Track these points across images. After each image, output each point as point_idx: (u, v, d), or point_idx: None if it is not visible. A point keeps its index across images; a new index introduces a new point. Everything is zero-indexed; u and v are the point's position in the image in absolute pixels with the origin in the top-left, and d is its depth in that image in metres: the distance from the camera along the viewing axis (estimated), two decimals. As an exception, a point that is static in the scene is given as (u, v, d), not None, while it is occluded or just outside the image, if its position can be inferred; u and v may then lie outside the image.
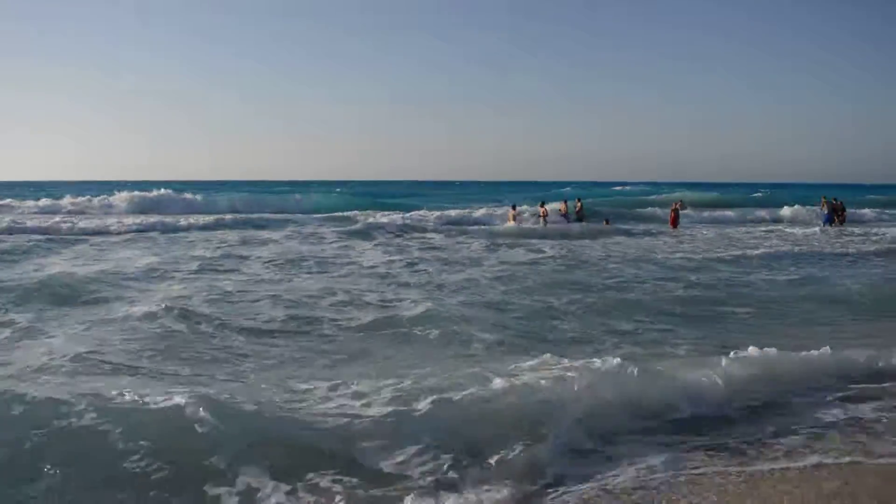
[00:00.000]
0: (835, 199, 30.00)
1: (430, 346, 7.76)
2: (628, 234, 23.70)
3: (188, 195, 35.81)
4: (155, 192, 34.35)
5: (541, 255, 16.75)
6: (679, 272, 13.89)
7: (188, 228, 22.20)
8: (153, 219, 24.51)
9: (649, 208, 37.62)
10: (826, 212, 29.03)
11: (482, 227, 23.94)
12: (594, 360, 6.25)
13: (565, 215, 29.12)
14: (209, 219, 25.21)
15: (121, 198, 33.31)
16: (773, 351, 6.76)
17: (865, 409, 5.73)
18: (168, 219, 24.28)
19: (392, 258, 15.65)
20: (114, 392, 5.18)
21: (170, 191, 35.59)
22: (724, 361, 6.42)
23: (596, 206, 34.45)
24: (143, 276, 12.09)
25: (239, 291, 10.74)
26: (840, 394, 6.12)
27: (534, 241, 20.40)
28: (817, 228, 26.23)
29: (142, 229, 21.56)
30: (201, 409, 4.81)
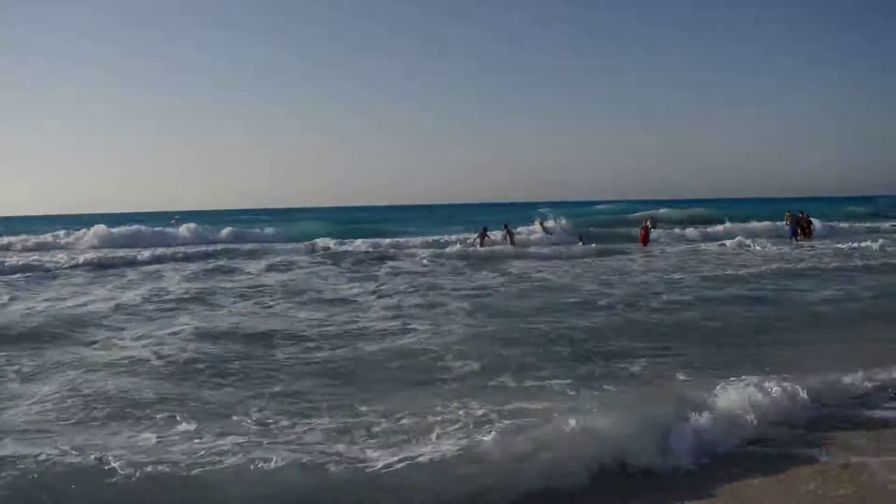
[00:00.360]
0: (801, 213, 30.51)
1: (396, 378, 7.66)
2: (601, 253, 23.90)
3: (158, 228, 35.63)
4: (126, 227, 34.18)
5: (510, 278, 16.92)
6: (649, 290, 14.11)
7: (159, 261, 22.05)
8: (121, 252, 24.37)
9: (622, 228, 37.98)
10: (790, 226, 29.55)
11: (454, 249, 24.02)
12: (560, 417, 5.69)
13: (546, 233, 30.26)
14: (182, 251, 25.24)
15: (90, 233, 33.04)
16: (753, 383, 6.39)
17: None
18: (142, 253, 24.10)
19: (359, 285, 15.69)
20: (55, 450, 5.01)
21: (140, 226, 35.41)
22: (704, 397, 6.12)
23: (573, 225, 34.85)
24: (106, 316, 11.81)
25: (202, 326, 10.64)
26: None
27: (504, 263, 20.61)
28: (786, 244, 26.72)
29: (111, 265, 21.32)
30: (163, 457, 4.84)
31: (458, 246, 25.73)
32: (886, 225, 40.45)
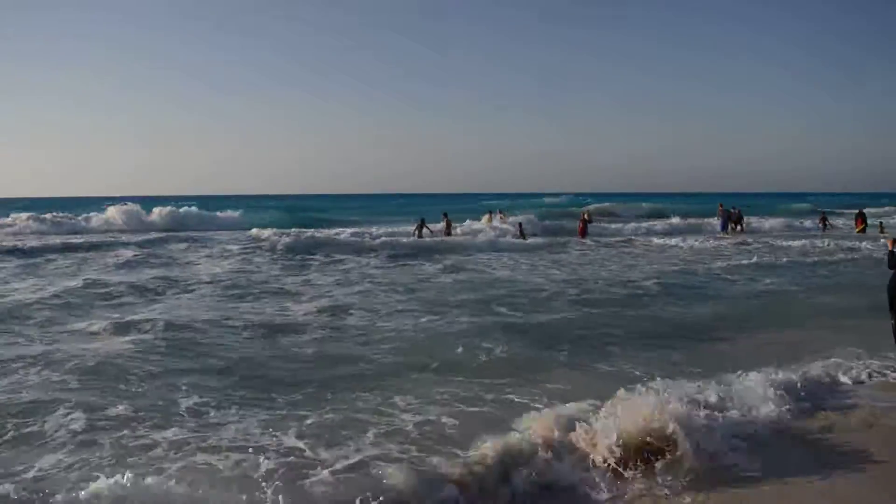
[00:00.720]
0: (733, 208, 31.59)
1: (320, 371, 7.63)
2: (539, 245, 23.99)
3: (90, 214, 34.45)
4: (54, 214, 33.10)
5: (444, 269, 17.05)
6: (575, 284, 14.41)
7: (87, 249, 21.30)
8: (58, 240, 23.61)
9: (566, 221, 38.48)
10: (721, 220, 30.53)
11: (390, 240, 23.87)
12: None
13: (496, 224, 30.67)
14: (115, 238, 24.69)
15: (18, 219, 31.92)
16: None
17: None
18: (71, 239, 23.47)
19: (290, 275, 15.62)
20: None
21: (68, 214, 34.26)
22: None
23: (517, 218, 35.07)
24: (21, 307, 11.29)
25: (124, 317, 10.43)
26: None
27: (441, 254, 20.73)
28: (716, 238, 27.39)
29: (37, 252, 20.63)
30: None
31: (413, 237, 25.68)
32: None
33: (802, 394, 6.47)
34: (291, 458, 5.05)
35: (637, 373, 7.41)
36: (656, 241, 26.54)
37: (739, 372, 7.02)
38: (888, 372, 7.41)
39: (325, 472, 4.72)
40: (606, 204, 51.06)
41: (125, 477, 4.39)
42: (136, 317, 10.32)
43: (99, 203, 38.71)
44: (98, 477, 4.49)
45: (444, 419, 5.94)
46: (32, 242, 22.50)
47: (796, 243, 24.28)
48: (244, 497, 4.36)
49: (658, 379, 6.58)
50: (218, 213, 38.51)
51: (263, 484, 4.55)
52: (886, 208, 54.48)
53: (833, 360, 7.81)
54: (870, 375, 7.29)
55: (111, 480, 4.37)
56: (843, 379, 7.15)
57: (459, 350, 8.37)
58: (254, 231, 25.53)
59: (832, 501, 4.43)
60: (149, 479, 4.46)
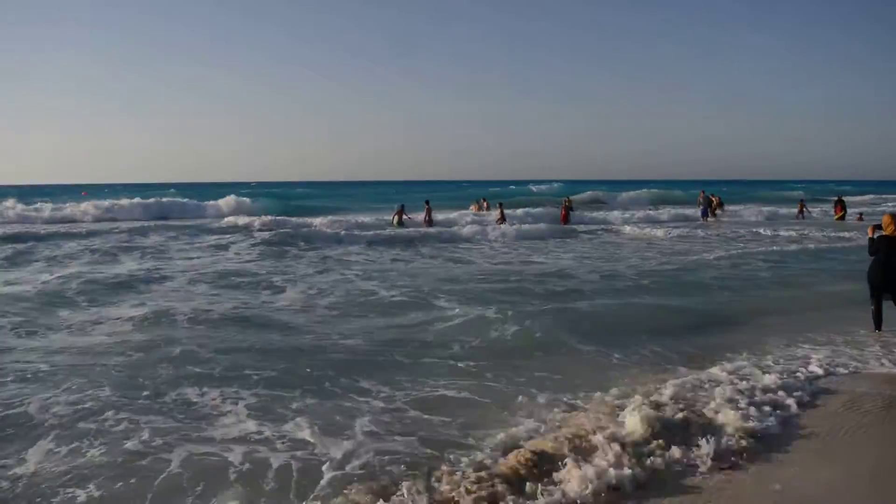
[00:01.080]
0: (712, 195, 32.28)
1: (281, 360, 7.55)
2: (520, 234, 23.59)
3: (67, 204, 34.01)
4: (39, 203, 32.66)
5: (418, 258, 17.08)
6: (549, 276, 14.37)
7: (63, 238, 21.04)
8: (40, 229, 23.38)
9: (552, 208, 38.56)
10: (702, 207, 31.00)
11: (370, 229, 23.72)
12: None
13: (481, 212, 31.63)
14: (87, 227, 24.39)
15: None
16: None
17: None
18: (45, 228, 23.22)
19: (259, 265, 15.51)
20: None
21: (49, 202, 33.72)
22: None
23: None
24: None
25: (95, 310, 10.35)
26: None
27: (418, 242, 20.86)
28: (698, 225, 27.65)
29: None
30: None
31: (392, 225, 25.53)
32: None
33: (790, 381, 6.50)
34: (299, 450, 5.06)
35: (617, 361, 7.42)
36: (639, 229, 26.53)
37: (723, 363, 7.14)
38: (869, 360, 7.45)
39: (326, 465, 4.74)
40: (592, 192, 51.13)
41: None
42: (112, 309, 10.22)
43: (98, 191, 37.96)
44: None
45: (425, 410, 5.89)
46: (12, 230, 22.22)
47: (777, 231, 24.54)
48: (253, 491, 4.43)
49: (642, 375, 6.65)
50: (201, 202, 38.12)
51: (271, 477, 4.62)
52: (869, 196, 55.32)
53: (813, 348, 7.88)
54: (855, 368, 7.19)
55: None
56: (821, 369, 7.07)
57: (431, 339, 8.34)
58: (236, 219, 25.34)
59: (818, 495, 4.46)
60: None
